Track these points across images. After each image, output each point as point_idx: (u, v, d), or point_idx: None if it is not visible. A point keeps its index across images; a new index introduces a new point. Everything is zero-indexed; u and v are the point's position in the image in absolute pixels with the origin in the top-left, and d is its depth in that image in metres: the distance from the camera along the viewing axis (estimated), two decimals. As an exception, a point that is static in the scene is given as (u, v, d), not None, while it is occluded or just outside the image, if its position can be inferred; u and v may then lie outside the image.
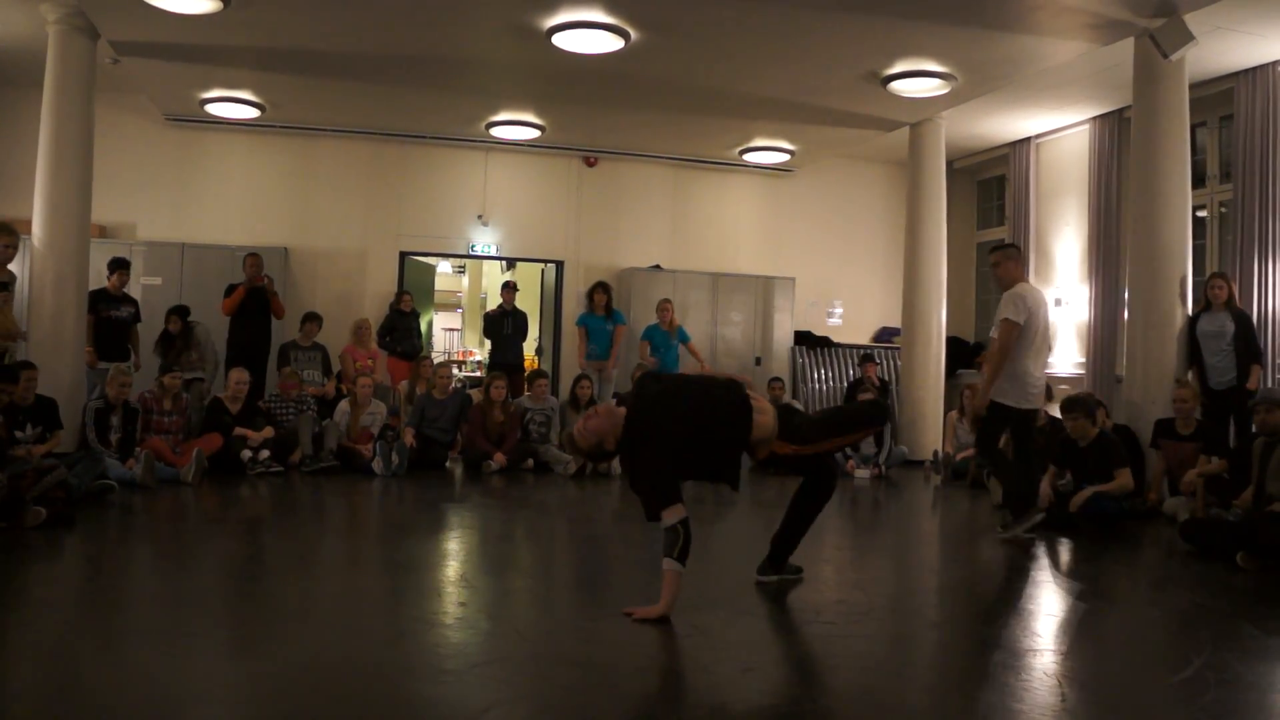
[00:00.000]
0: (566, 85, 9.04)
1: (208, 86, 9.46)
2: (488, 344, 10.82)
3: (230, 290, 9.11)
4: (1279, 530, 5.03)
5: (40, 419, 6.47)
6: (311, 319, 9.36)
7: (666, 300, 10.24)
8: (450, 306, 18.41)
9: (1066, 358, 10.68)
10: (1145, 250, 7.44)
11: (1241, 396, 6.95)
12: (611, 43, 7.67)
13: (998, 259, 6.07)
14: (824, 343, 12.19)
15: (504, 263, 14.34)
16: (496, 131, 10.74)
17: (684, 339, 10.12)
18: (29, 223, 7.83)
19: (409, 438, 8.24)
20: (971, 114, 10.06)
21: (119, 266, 8.55)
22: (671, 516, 3.70)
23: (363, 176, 11.29)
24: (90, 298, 8.09)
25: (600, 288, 10.12)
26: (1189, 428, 6.76)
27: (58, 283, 7.65)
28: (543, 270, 12.60)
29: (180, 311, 8.99)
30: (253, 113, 10.14)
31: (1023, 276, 6.02)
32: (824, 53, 8.01)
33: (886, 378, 11.11)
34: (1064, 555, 5.55)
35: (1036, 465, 6.17)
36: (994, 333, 6.03)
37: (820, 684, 3.31)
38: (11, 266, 6.95)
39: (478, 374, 13.65)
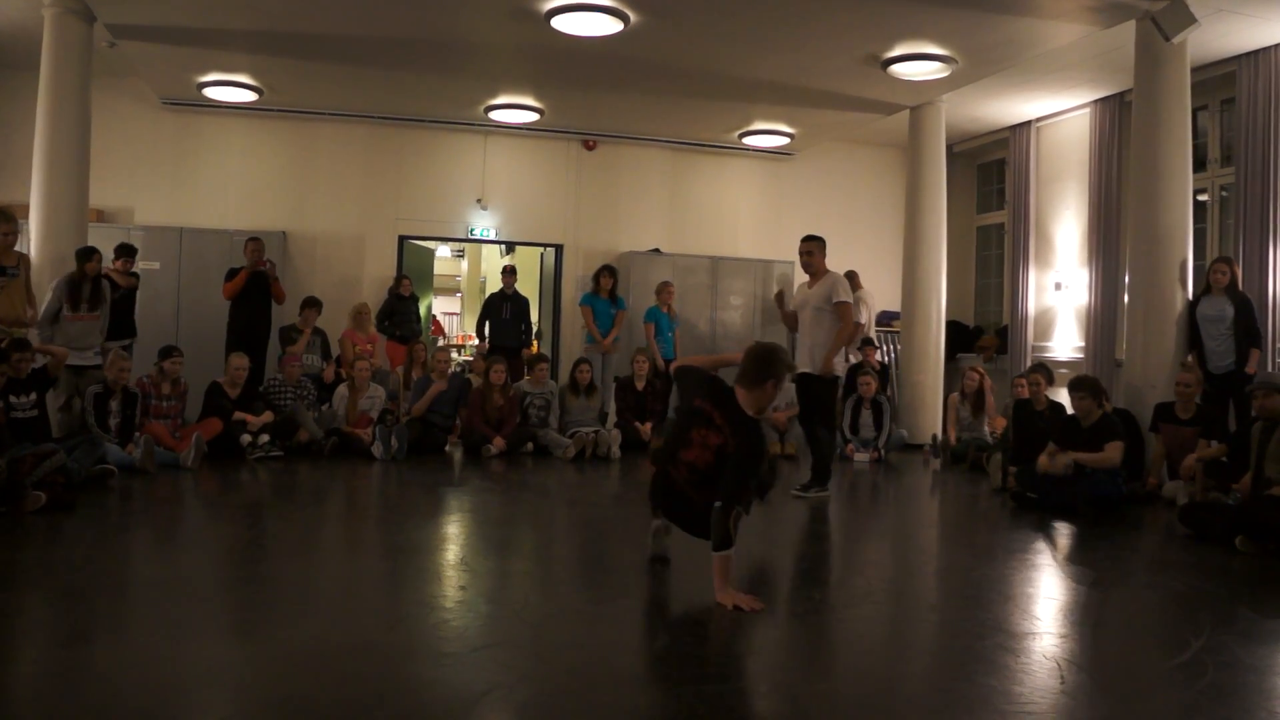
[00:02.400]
0: (565, 68, 9.00)
1: (205, 70, 9.42)
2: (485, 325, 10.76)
3: (231, 274, 9.07)
4: (1277, 513, 5.04)
5: (35, 387, 6.48)
6: (311, 304, 9.34)
7: (669, 283, 10.25)
8: (449, 290, 18.41)
9: (1067, 341, 10.67)
10: (1146, 234, 7.42)
11: (1240, 381, 6.95)
12: (610, 25, 7.63)
13: (811, 248, 6.86)
14: (824, 327, 12.18)
15: (503, 247, 14.32)
16: (495, 115, 10.70)
17: (674, 325, 10.20)
18: (26, 207, 7.80)
19: (423, 405, 8.36)
20: (972, 97, 10.02)
21: (124, 253, 8.47)
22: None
23: (361, 160, 11.26)
24: None
25: (607, 271, 10.14)
26: (1189, 412, 6.75)
27: (56, 267, 7.61)
28: (542, 254, 12.59)
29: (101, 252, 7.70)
30: (250, 96, 10.09)
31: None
32: (824, 35, 7.97)
33: (886, 361, 11.11)
34: (1063, 539, 5.56)
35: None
36: (807, 314, 6.81)
37: (820, 667, 3.32)
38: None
39: (468, 359, 13.61)
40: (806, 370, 6.71)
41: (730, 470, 3.90)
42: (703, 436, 4.03)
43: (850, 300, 6.70)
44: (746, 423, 3.99)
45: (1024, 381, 8.02)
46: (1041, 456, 6.44)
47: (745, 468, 3.90)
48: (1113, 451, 6.22)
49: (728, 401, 4.05)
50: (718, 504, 3.82)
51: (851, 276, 10.63)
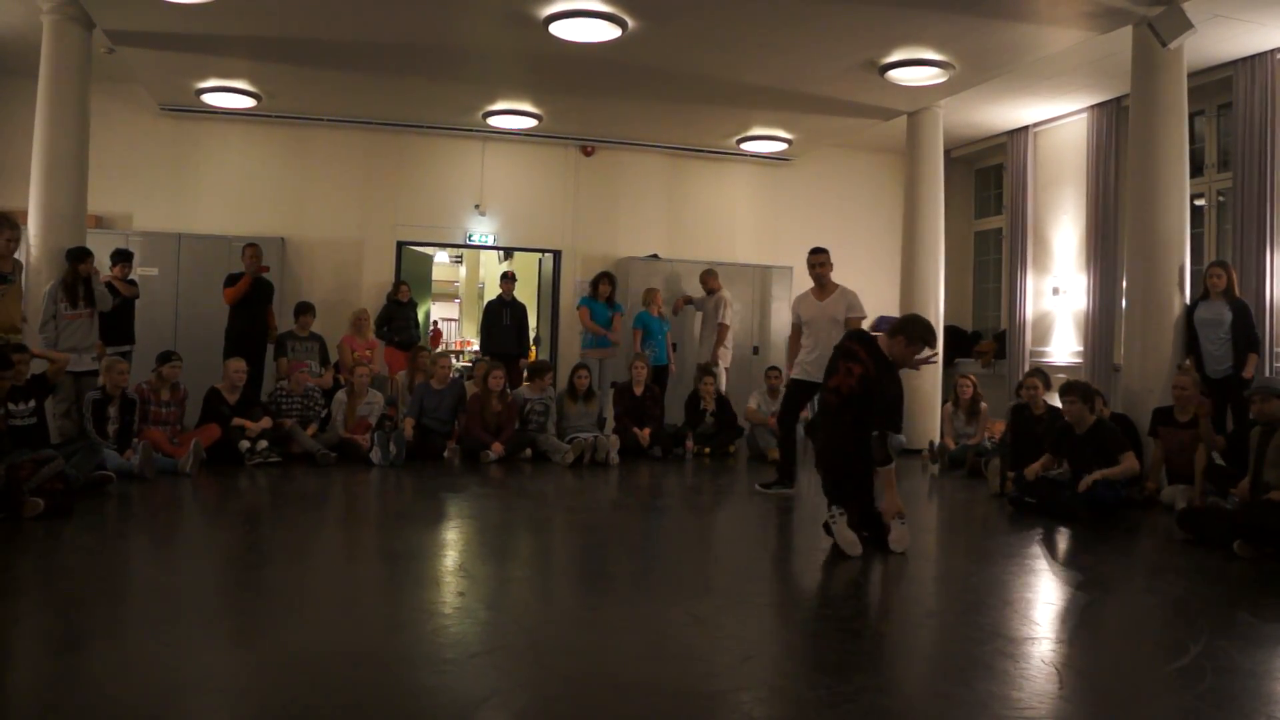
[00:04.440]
0: (564, 74, 9.02)
1: (203, 76, 9.43)
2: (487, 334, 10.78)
3: (231, 280, 9.06)
4: (1275, 518, 5.05)
5: (33, 394, 6.47)
6: (306, 309, 9.33)
7: (655, 289, 10.39)
8: (448, 296, 18.42)
9: (1065, 346, 10.68)
10: (1143, 239, 7.43)
11: (1238, 385, 6.96)
12: (609, 31, 7.64)
13: (825, 260, 7.04)
14: (822, 332, 12.18)
15: (501, 253, 14.32)
16: (494, 121, 10.72)
17: (665, 328, 10.29)
18: (25, 213, 7.79)
19: (408, 428, 8.24)
20: (969, 103, 10.04)
21: (121, 259, 8.45)
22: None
23: (359, 166, 11.27)
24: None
25: (606, 278, 10.20)
26: (1187, 415, 6.75)
27: (54, 273, 7.61)
28: (540, 260, 12.59)
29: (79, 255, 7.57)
30: (248, 102, 10.11)
31: None
32: (822, 41, 7.98)
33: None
34: (1062, 544, 5.57)
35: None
36: (823, 325, 6.87)
37: (819, 672, 3.31)
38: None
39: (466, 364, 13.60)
40: (801, 379, 6.90)
41: (877, 399, 5.02)
42: (848, 367, 5.13)
43: (864, 315, 6.99)
44: (885, 360, 5.12)
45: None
46: (1036, 468, 6.50)
47: (888, 394, 5.03)
48: (1129, 462, 6.31)
49: (872, 343, 5.22)
50: (875, 432, 4.96)
51: (709, 277, 10.66)
